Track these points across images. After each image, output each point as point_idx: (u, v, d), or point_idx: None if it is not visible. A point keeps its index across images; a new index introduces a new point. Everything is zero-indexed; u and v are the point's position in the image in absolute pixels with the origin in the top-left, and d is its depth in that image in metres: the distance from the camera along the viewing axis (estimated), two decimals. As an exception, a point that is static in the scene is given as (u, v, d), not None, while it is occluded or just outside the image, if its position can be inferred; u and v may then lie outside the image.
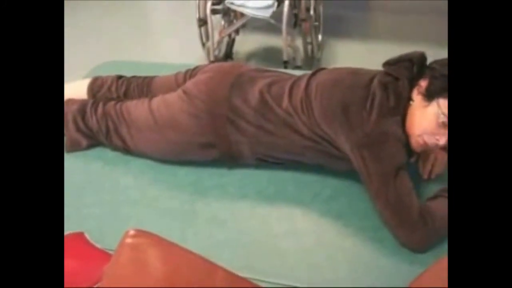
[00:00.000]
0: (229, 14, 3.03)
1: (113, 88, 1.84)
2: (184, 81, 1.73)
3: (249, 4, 2.64)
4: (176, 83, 1.75)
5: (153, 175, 1.62)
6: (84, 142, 1.73)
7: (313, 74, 1.54)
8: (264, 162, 1.57)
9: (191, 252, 1.01)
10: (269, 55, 3.29)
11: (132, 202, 1.53)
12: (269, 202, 1.50)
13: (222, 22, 3.06)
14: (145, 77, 1.85)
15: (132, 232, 1.00)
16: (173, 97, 1.61)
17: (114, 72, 1.95)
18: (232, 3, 2.68)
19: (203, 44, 2.96)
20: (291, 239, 1.39)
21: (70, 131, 1.73)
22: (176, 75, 1.79)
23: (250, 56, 3.28)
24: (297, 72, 1.71)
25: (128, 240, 1.00)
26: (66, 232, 1.37)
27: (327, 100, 1.42)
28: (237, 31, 3.15)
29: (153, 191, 1.57)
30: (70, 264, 1.27)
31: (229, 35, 3.11)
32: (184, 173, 1.61)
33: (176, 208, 1.50)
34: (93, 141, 1.73)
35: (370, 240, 1.36)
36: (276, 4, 2.61)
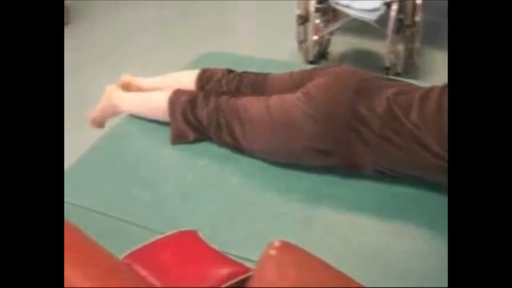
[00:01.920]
0: (328, 13, 2.94)
1: (224, 82, 1.79)
2: (301, 81, 1.66)
3: (355, 5, 2.55)
4: (293, 82, 1.68)
5: (264, 177, 1.56)
6: (191, 135, 1.69)
7: (446, 87, 1.44)
8: (383, 174, 1.49)
9: (335, 269, 0.94)
10: (363, 58, 3.19)
11: (244, 203, 1.48)
12: (388, 217, 1.42)
13: (317, 21, 2.97)
14: (258, 74, 1.79)
15: (277, 244, 0.94)
16: (292, 98, 1.55)
17: (214, 64, 1.91)
18: (337, 3, 2.60)
19: (300, 42, 2.88)
20: (415, 259, 1.30)
21: (177, 122, 1.69)
22: (292, 74, 1.72)
23: (344, 58, 3.18)
24: (421, 83, 1.62)
25: (273, 253, 0.93)
26: (178, 230, 1.33)
27: None
28: (331, 32, 3.06)
29: (265, 194, 1.51)
30: (183, 262, 1.23)
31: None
32: (298, 178, 1.54)
33: (291, 213, 1.44)
34: (200, 135, 1.69)
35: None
36: (384, 7, 2.52)
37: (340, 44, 3.28)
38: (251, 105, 1.60)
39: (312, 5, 2.66)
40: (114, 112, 1.94)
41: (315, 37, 2.79)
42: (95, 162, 1.69)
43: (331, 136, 1.47)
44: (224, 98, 1.65)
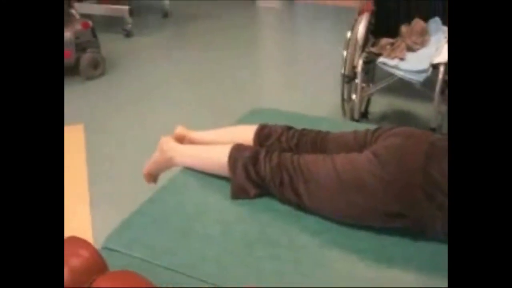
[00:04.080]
0: (369, 73, 2.98)
1: (283, 139, 1.79)
2: (365, 142, 1.66)
3: (403, 66, 2.57)
4: (356, 142, 1.68)
5: (330, 236, 1.53)
6: (252, 190, 1.67)
7: None
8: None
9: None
10: (404, 119, 3.21)
11: (311, 262, 1.45)
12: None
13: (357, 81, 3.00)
14: (318, 132, 1.79)
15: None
16: (361, 158, 1.54)
17: (263, 120, 1.91)
18: (384, 64, 2.63)
19: (344, 100, 2.90)
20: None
21: (238, 178, 1.68)
22: (355, 133, 1.72)
23: (385, 118, 3.20)
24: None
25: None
26: (243, 286, 1.31)
27: None
28: (372, 92, 3.09)
29: (332, 253, 1.48)
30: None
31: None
32: (364, 238, 1.51)
33: (361, 275, 1.40)
34: (262, 191, 1.67)
35: None
36: (431, 69, 2.54)
37: (378, 105, 3.31)
38: (317, 163, 1.59)
39: (360, 65, 2.69)
40: (168, 165, 1.94)
41: (359, 96, 2.81)
42: (154, 214, 1.68)
43: (401, 197, 1.46)
44: (287, 155, 1.65)
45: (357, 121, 2.78)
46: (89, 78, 4.01)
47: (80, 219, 2.47)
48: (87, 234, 2.32)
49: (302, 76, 4.03)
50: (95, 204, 2.59)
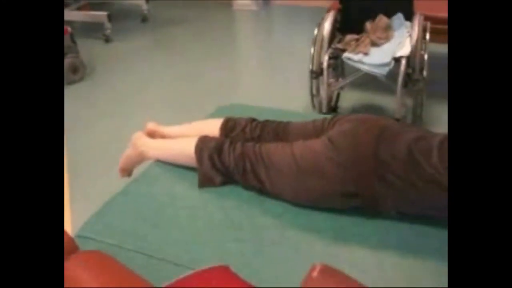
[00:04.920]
0: (337, 68, 3.08)
1: (247, 130, 1.89)
2: (323, 128, 1.76)
3: (367, 60, 2.68)
4: (314, 130, 1.78)
5: (290, 218, 1.63)
6: (218, 179, 1.77)
7: None
8: (405, 215, 1.56)
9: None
10: (372, 112, 3.31)
11: (272, 242, 1.55)
12: (414, 255, 1.48)
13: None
14: (279, 122, 1.89)
15: (319, 267, 1.01)
16: (317, 144, 1.64)
17: (232, 114, 2.01)
18: (349, 59, 2.73)
19: (312, 96, 3.01)
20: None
21: (205, 167, 1.78)
22: (314, 122, 1.82)
23: (354, 112, 3.31)
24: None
25: (315, 275, 1.00)
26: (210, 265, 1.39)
27: None
28: (341, 87, 3.19)
29: (292, 233, 1.58)
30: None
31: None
32: (323, 219, 1.61)
33: (319, 252, 1.50)
34: (226, 179, 1.77)
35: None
36: (393, 62, 2.65)
37: (348, 99, 3.42)
38: (276, 151, 1.69)
39: (325, 60, 2.80)
40: (141, 158, 2.03)
41: (328, 91, 2.91)
42: (126, 204, 1.77)
43: (356, 179, 1.56)
44: (249, 145, 1.75)
45: (325, 114, 2.88)
46: (69, 82, 4.09)
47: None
48: (66, 228, 2.40)
49: (277, 75, 4.13)
50: (75, 201, 2.67)
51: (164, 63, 4.52)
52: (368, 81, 3.13)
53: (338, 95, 3.22)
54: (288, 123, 1.87)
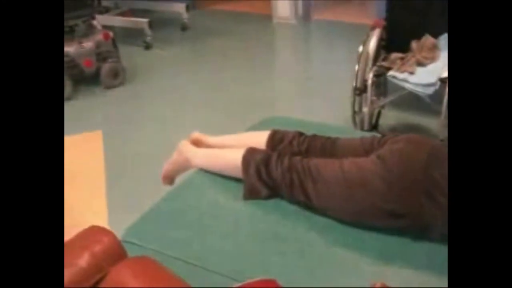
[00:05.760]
0: (380, 86, 3.07)
1: (295, 143, 1.89)
2: (371, 147, 1.75)
3: (412, 80, 2.66)
4: (363, 148, 1.77)
5: (336, 234, 1.62)
6: (264, 191, 1.77)
7: None
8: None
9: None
10: (413, 132, 3.27)
11: (318, 258, 1.53)
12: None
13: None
14: (328, 137, 1.88)
15: (379, 285, 1.00)
16: (366, 161, 1.63)
17: (275, 127, 2.01)
18: (394, 77, 2.72)
19: (354, 112, 2.99)
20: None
21: (251, 179, 1.77)
22: (362, 139, 1.81)
23: (394, 131, 3.28)
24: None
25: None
26: (256, 278, 1.38)
27: None
28: (383, 105, 3.17)
29: (337, 250, 1.56)
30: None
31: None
32: (369, 237, 1.59)
33: (365, 271, 1.48)
34: (272, 192, 1.76)
35: None
36: (439, 83, 2.62)
37: (388, 117, 3.39)
38: (325, 165, 1.68)
39: (370, 78, 2.78)
40: (185, 166, 2.04)
41: (369, 108, 2.90)
42: (169, 210, 1.78)
43: (405, 198, 1.54)
44: (297, 158, 1.74)
45: (366, 131, 2.87)
46: (109, 87, 4.15)
47: (98, 220, 2.57)
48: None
49: (316, 90, 4.12)
50: (113, 205, 2.69)
51: (203, 72, 4.55)
52: (408, 101, 3.10)
53: (379, 113, 3.19)
54: (336, 139, 1.87)
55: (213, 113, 3.75)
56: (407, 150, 1.60)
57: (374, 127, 3.13)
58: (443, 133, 2.70)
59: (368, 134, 1.98)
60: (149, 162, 3.05)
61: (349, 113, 3.07)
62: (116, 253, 1.31)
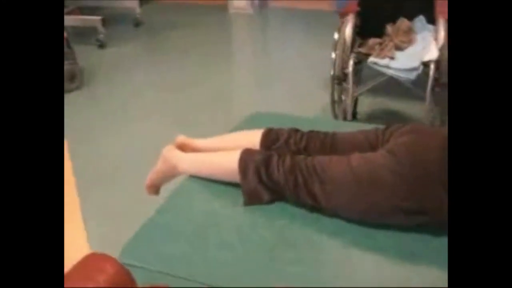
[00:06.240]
0: (357, 74, 2.99)
1: (291, 141, 1.77)
2: (376, 140, 1.66)
3: (393, 65, 2.59)
4: (368, 142, 1.67)
5: (349, 236, 1.52)
6: (266, 195, 1.64)
7: None
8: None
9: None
10: (391, 118, 3.22)
11: (333, 263, 1.44)
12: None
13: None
14: (326, 133, 1.78)
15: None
16: (375, 155, 1.54)
17: (263, 125, 1.89)
18: (375, 63, 2.63)
19: (334, 103, 2.90)
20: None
21: (250, 183, 1.65)
22: (366, 133, 1.71)
23: (374, 118, 3.22)
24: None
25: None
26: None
27: None
28: (360, 93, 3.10)
29: (354, 253, 1.46)
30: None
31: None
32: (383, 236, 1.50)
33: (386, 273, 1.39)
34: (275, 196, 1.65)
35: None
36: (422, 67, 2.56)
37: (365, 105, 3.33)
38: (331, 164, 1.57)
39: (351, 65, 2.69)
40: (172, 173, 1.90)
41: (350, 97, 2.81)
42: (165, 224, 1.64)
43: (421, 193, 1.45)
44: (300, 157, 1.63)
45: (349, 121, 2.79)
46: (66, 91, 3.90)
47: (74, 233, 2.41)
48: (83, 248, 2.26)
49: (277, 80, 4.02)
50: (89, 216, 2.53)
51: (161, 69, 4.37)
52: (384, 86, 3.04)
53: (356, 101, 3.11)
54: (334, 134, 1.76)
55: (173, 112, 3.60)
56: (419, 141, 1.52)
57: (353, 115, 3.05)
58: (428, 119, 2.65)
59: (356, 125, 1.87)
60: (120, 168, 2.89)
61: (319, 103, 2.97)
62: (123, 281, 1.19)
